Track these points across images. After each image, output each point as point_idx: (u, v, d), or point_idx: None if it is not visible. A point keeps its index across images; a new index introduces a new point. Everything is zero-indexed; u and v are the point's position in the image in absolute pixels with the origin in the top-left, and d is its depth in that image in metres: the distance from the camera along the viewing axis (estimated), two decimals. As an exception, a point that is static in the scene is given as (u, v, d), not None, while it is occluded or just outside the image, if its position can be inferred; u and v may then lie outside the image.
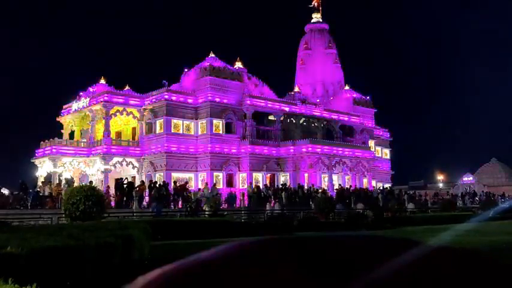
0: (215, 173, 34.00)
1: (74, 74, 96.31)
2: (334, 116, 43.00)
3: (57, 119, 39.57)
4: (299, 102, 40.85)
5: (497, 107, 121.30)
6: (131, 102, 35.92)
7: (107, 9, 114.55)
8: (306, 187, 32.13)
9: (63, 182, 29.26)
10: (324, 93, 52.82)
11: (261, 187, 30.35)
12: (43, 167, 34.46)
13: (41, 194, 25.14)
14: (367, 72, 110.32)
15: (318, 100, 46.53)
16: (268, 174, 36.14)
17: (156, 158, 34.08)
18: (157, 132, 34.91)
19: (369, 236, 0.68)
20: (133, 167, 34.95)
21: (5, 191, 26.81)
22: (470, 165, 72.22)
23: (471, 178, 64.75)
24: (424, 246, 0.65)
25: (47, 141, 34.61)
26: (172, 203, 25.90)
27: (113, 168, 33.87)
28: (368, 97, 48.62)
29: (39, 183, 30.16)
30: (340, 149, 38.32)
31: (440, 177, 68.61)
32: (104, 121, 34.82)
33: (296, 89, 45.86)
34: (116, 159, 33.96)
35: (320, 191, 30.58)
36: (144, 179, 30.98)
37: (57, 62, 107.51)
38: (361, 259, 0.60)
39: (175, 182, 29.14)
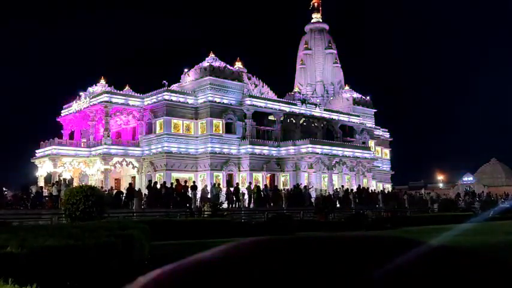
0: (215, 173, 33.97)
1: (74, 74, 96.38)
2: (334, 116, 43.00)
3: (57, 119, 39.59)
4: (299, 102, 40.84)
5: (497, 107, 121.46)
6: (131, 102, 35.90)
7: (106, 9, 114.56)
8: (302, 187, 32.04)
9: (64, 182, 29.21)
10: (324, 93, 52.90)
11: (261, 187, 30.30)
12: (43, 167, 34.44)
13: (44, 195, 25.10)
14: (367, 72, 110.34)
15: (318, 100, 46.52)
16: (268, 175, 36.12)
17: (156, 158, 34.06)
18: (157, 132, 34.89)
19: (368, 236, 0.68)
20: (133, 167, 34.94)
21: (7, 192, 26.72)
22: (470, 165, 72.23)
23: (471, 178, 64.68)
24: (424, 245, 0.65)
25: (47, 141, 34.61)
26: (172, 203, 25.83)
27: (112, 168, 33.86)
28: (368, 97, 48.65)
29: (40, 183, 30.12)
30: (340, 149, 38.31)
31: (440, 177, 68.55)
32: (104, 121, 34.82)
33: (296, 89, 45.85)
34: (115, 159, 33.95)
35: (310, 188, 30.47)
36: (144, 179, 30.96)
37: (57, 61, 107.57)
38: (360, 259, 0.61)
39: (177, 181, 29.03)
